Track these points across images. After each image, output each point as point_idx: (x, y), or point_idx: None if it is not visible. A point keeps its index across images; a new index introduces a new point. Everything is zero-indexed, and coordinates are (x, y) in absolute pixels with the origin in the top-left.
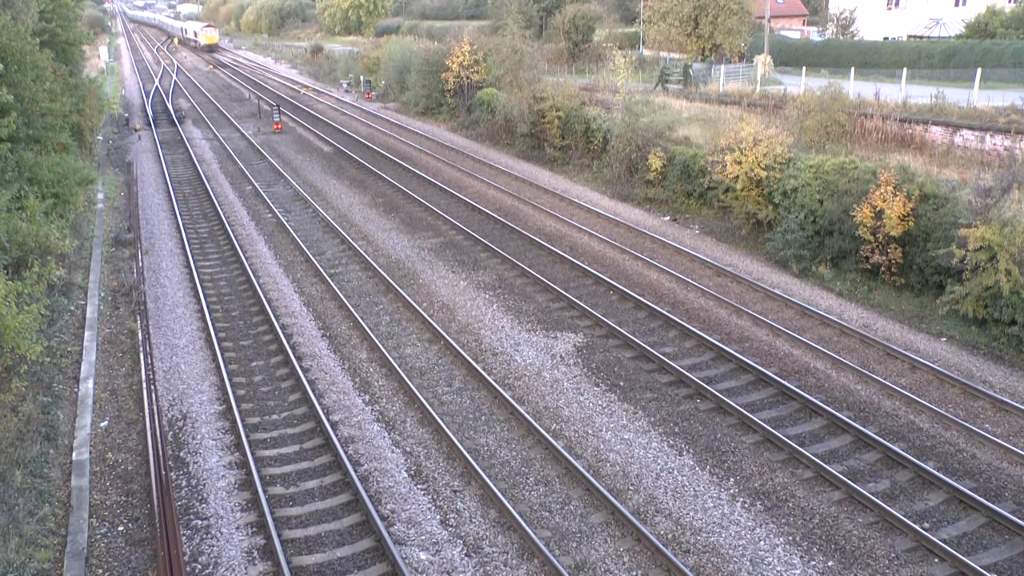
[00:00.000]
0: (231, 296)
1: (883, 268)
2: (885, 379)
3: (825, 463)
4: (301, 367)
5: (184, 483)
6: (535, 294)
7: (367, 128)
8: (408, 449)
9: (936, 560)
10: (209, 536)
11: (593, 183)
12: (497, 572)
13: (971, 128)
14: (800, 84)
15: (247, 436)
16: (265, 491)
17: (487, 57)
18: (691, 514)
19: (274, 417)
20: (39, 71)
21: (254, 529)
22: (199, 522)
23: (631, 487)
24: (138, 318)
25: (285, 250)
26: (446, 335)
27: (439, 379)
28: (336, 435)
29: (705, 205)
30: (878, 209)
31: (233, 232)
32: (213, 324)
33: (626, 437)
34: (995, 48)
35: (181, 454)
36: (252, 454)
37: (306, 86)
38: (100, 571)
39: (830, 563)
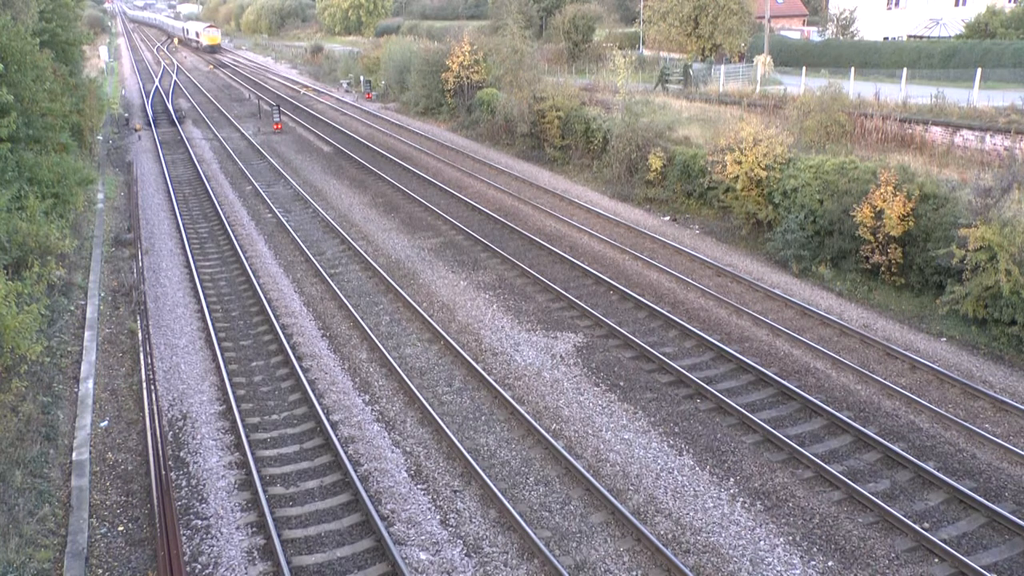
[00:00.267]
0: (231, 296)
1: (883, 268)
2: (885, 379)
3: (825, 463)
4: (301, 367)
5: (184, 483)
6: (535, 294)
7: (367, 128)
8: (408, 449)
9: (936, 560)
10: (209, 536)
11: (593, 183)
12: (497, 572)
13: (971, 128)
14: (800, 84)
15: (247, 436)
16: (265, 491)
17: (487, 57)
18: (691, 514)
19: (274, 417)
20: (39, 71)
21: (254, 529)
22: (199, 522)
23: (631, 487)
24: (138, 318)
25: (285, 250)
26: (446, 335)
27: (439, 379)
28: (336, 435)
29: (705, 205)
30: (878, 209)
31: (233, 232)
32: (213, 324)
33: (626, 437)
34: (995, 48)
35: (181, 454)
36: (252, 454)
37: (306, 86)
38: (100, 571)
39: (830, 563)
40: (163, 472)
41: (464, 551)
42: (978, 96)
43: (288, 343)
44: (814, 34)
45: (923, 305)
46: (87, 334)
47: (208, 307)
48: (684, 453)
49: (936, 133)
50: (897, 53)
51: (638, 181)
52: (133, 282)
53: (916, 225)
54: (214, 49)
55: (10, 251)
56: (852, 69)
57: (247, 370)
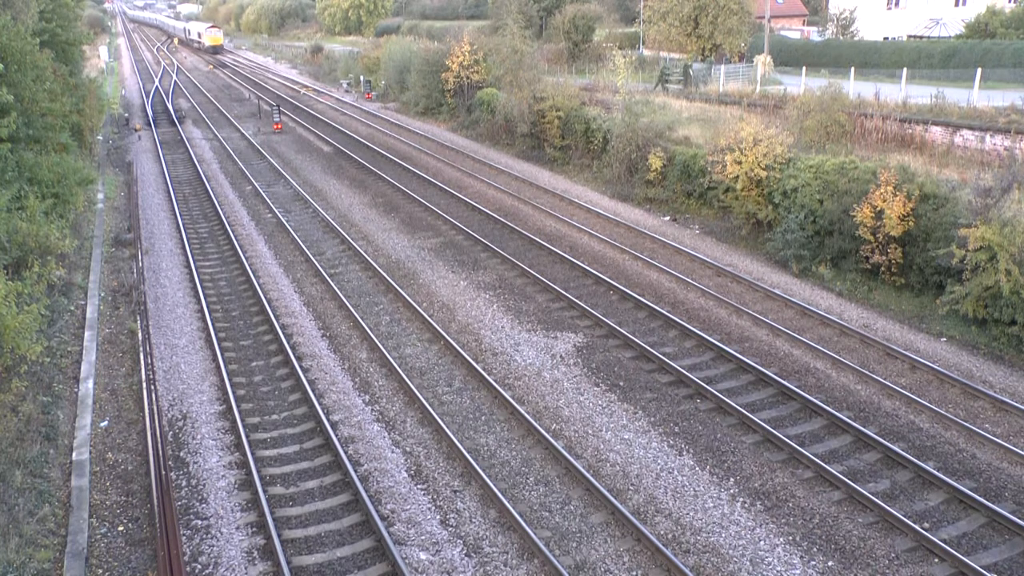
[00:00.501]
0: (231, 296)
1: (883, 268)
2: (885, 379)
3: (825, 463)
4: (301, 367)
5: (184, 483)
6: (535, 294)
7: (367, 128)
8: (408, 449)
9: (936, 560)
10: (209, 536)
11: (593, 183)
12: (497, 572)
13: (971, 128)
14: (800, 84)
15: (247, 436)
16: (265, 491)
17: (487, 57)
18: (691, 514)
19: (274, 417)
20: (39, 71)
21: (254, 529)
22: (199, 522)
23: (631, 487)
24: (138, 318)
25: (285, 250)
26: (446, 335)
27: (439, 379)
28: (336, 435)
29: (705, 205)
30: (878, 209)
31: (233, 232)
32: (213, 324)
33: (626, 437)
34: (995, 48)
35: (181, 454)
36: (252, 454)
37: (306, 86)
38: (100, 571)
39: (830, 563)
40: (163, 472)
41: (464, 551)
42: (978, 96)
43: (288, 343)
44: (814, 34)
45: (923, 305)
46: (87, 334)
47: (208, 307)
48: (684, 453)
49: (936, 133)
50: (897, 53)
51: (638, 181)
52: (133, 282)
53: (916, 225)
54: (216, 50)
55: (10, 251)
56: (852, 69)
57: (247, 370)
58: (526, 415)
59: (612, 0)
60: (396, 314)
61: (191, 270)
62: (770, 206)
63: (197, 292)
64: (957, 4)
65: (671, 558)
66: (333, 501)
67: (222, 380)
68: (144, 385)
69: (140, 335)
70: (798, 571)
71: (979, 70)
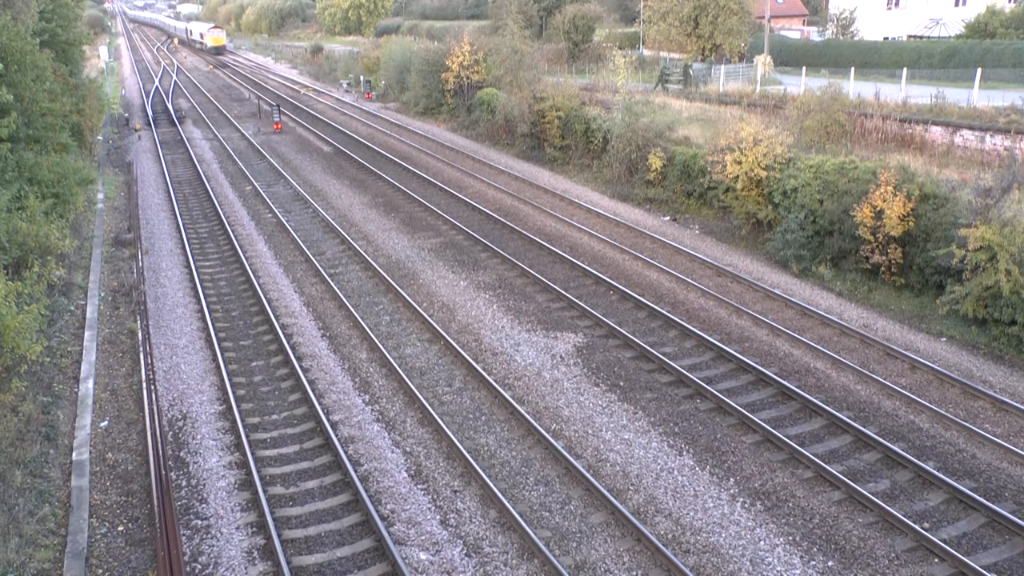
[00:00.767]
0: (231, 296)
1: (883, 268)
2: (885, 379)
3: (825, 463)
4: (301, 367)
5: (184, 483)
6: (535, 294)
7: (367, 128)
8: (408, 449)
9: (936, 560)
10: (209, 536)
11: (593, 183)
12: (497, 572)
13: (971, 128)
14: (800, 84)
15: (247, 436)
16: (265, 491)
17: (487, 57)
18: (691, 514)
19: (274, 417)
20: (39, 71)
21: (254, 529)
22: (199, 522)
23: (631, 487)
24: (138, 318)
25: (285, 250)
26: (446, 335)
27: (439, 379)
28: (336, 435)
29: (705, 205)
30: (878, 209)
31: (233, 232)
32: (213, 324)
33: (626, 437)
34: (995, 48)
35: (181, 454)
36: (252, 454)
37: (306, 86)
38: (100, 571)
39: (830, 563)
40: (163, 472)
41: (464, 551)
42: (978, 96)
43: (288, 343)
44: (814, 34)
45: (923, 305)
46: (87, 334)
47: (208, 307)
48: (684, 453)
49: (936, 133)
50: (897, 53)
51: (638, 181)
52: (133, 282)
53: (916, 225)
54: (219, 51)
55: (10, 251)
56: (852, 69)
57: (247, 370)
58: (526, 415)
59: (612, 0)
60: (396, 314)
61: (191, 270)
62: (770, 206)
63: (197, 292)
64: (957, 4)
65: (671, 558)
66: (333, 501)
67: (222, 380)
68: (144, 385)
69: (140, 335)
70: (798, 571)
71: (979, 70)
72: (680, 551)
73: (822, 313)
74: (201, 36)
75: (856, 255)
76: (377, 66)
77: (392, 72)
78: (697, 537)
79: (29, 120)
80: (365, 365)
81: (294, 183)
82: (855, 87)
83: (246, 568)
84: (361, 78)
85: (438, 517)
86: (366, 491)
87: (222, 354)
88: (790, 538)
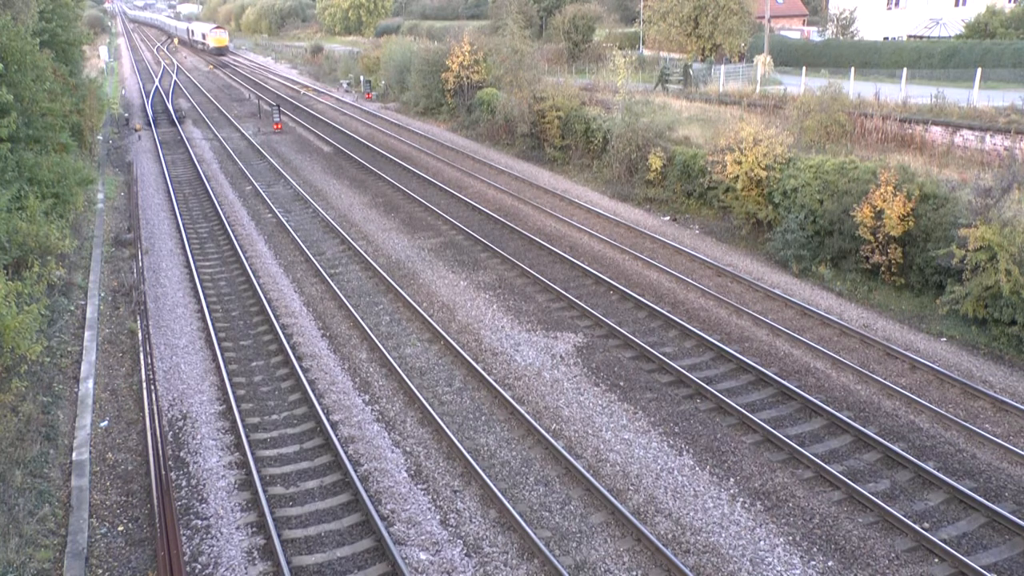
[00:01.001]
0: (231, 296)
1: (883, 268)
2: (885, 379)
3: (825, 463)
4: (301, 367)
5: (184, 483)
6: (535, 294)
7: (367, 128)
8: (408, 449)
9: (936, 560)
10: (209, 536)
11: (593, 183)
12: (497, 572)
13: (971, 128)
14: (800, 84)
15: (247, 436)
16: (265, 491)
17: (487, 57)
18: (691, 514)
19: (274, 417)
20: (39, 71)
21: (254, 529)
22: (199, 522)
23: (631, 487)
24: (138, 318)
25: (285, 250)
26: (446, 335)
27: (439, 379)
28: (336, 435)
29: (705, 205)
30: (878, 209)
31: (233, 232)
32: (213, 324)
33: (626, 437)
34: (995, 48)
35: (181, 454)
36: (252, 454)
37: (306, 86)
38: (100, 571)
39: (830, 563)
40: (163, 472)
41: (464, 551)
42: (978, 96)
43: (288, 343)
44: (814, 34)
45: (923, 305)
46: (87, 334)
47: (208, 307)
48: (684, 453)
49: (936, 133)
50: (897, 53)
51: (638, 181)
52: (133, 282)
53: (916, 225)
54: (221, 52)
55: (10, 251)
56: (852, 69)
57: (247, 370)
58: (526, 415)
59: (612, 0)
60: (396, 314)
61: (191, 270)
62: (770, 206)
63: (197, 292)
64: (957, 4)
65: (671, 558)
66: (333, 501)
67: (222, 380)
68: (144, 385)
69: (140, 335)
70: (798, 571)
71: (979, 70)
72: (680, 551)
73: (822, 313)
74: (203, 37)
75: (856, 255)
76: (377, 66)
77: (392, 72)
78: (697, 537)
79: (29, 120)
80: (365, 365)
81: (294, 183)
82: (855, 87)
83: (246, 568)
84: (361, 78)
85: (438, 517)
86: (366, 491)
87: (222, 354)
88: (790, 538)
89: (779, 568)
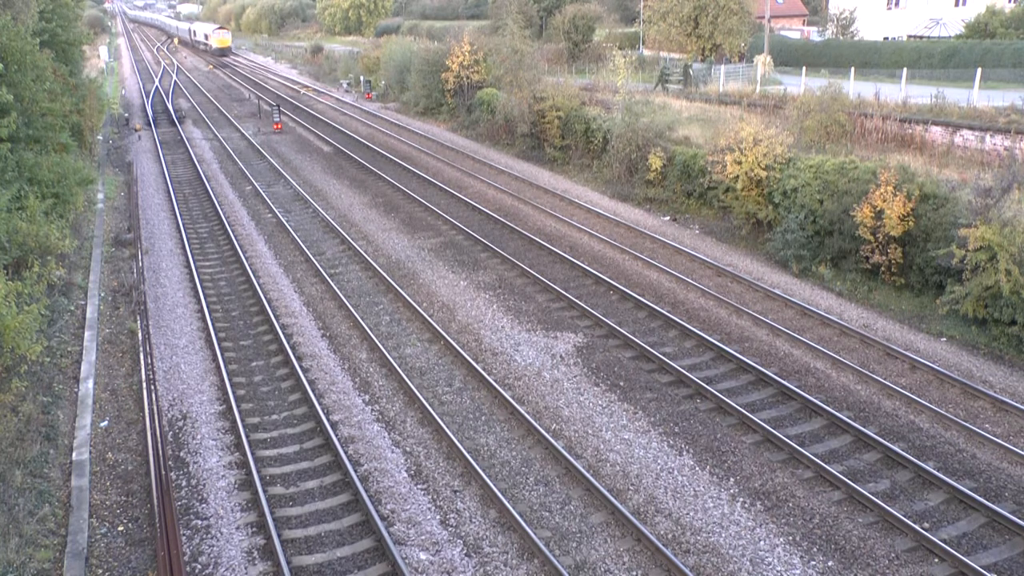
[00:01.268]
0: (231, 296)
1: (883, 268)
2: (885, 379)
3: (825, 463)
4: (301, 367)
5: (184, 483)
6: (535, 294)
7: (367, 128)
8: (408, 449)
9: (936, 560)
10: (209, 536)
11: (593, 183)
12: (497, 572)
13: (971, 128)
14: (800, 84)
15: (247, 436)
16: (265, 491)
17: (487, 57)
18: (691, 514)
19: (274, 417)
20: (39, 71)
21: (254, 529)
22: (199, 522)
23: (631, 487)
24: (138, 318)
25: (285, 250)
26: (446, 335)
27: (439, 379)
28: (336, 435)
29: (705, 205)
30: (878, 209)
31: (233, 232)
32: (213, 324)
33: (626, 437)
34: (995, 48)
35: (181, 454)
36: (252, 454)
37: (306, 86)
38: (100, 571)
39: (830, 563)
40: (163, 472)
41: (464, 551)
42: (978, 96)
43: (288, 343)
44: (814, 34)
45: (923, 305)
46: (87, 334)
47: (208, 307)
48: (684, 453)
49: (936, 133)
50: (897, 53)
51: (638, 181)
52: (133, 282)
53: (916, 225)
54: (224, 52)
55: (10, 251)
56: (852, 69)
57: (247, 370)
58: (526, 415)
59: (612, 0)
60: (396, 314)
61: (191, 270)
62: (770, 206)
63: (197, 292)
64: (957, 4)
65: (671, 558)
66: (333, 501)
67: (222, 380)
68: (144, 385)
69: (140, 335)
70: (798, 571)
71: (979, 70)
72: (680, 551)
73: (822, 313)
74: (206, 37)
75: (856, 255)
76: (377, 66)
77: (392, 72)
78: (697, 537)
79: (29, 120)
80: (365, 365)
81: (294, 183)
82: (855, 87)
83: (246, 568)
84: (361, 78)
85: (438, 517)
86: (366, 491)
87: (222, 354)
88: (790, 538)
89: (779, 568)
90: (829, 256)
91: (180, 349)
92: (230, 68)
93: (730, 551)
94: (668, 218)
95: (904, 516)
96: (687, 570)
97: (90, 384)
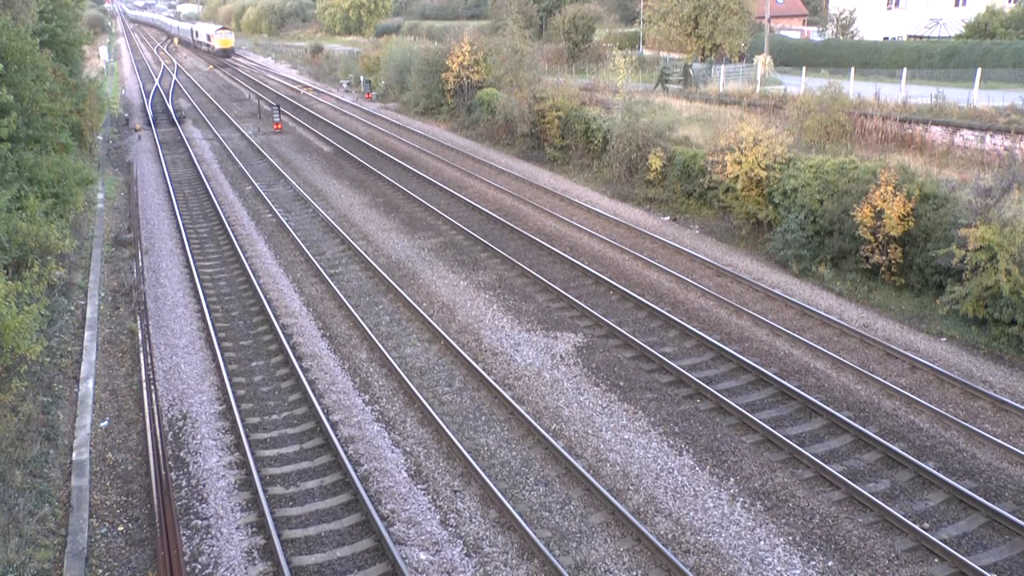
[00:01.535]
0: (231, 296)
1: (883, 268)
2: (885, 379)
3: (825, 463)
4: (301, 367)
5: (184, 483)
6: (535, 294)
7: (367, 128)
8: (408, 449)
9: (936, 560)
10: (209, 536)
11: (593, 183)
12: (497, 572)
13: (971, 128)
14: (800, 84)
15: (247, 436)
16: (265, 491)
17: (487, 57)
18: (691, 514)
19: (274, 417)
20: (39, 71)
21: (254, 529)
22: (199, 522)
23: (631, 487)
24: (138, 318)
25: (285, 250)
26: (446, 335)
27: (439, 379)
28: (336, 435)
29: (705, 205)
30: (878, 209)
31: (233, 232)
32: (213, 324)
33: (626, 437)
34: (995, 48)
35: (181, 454)
36: (252, 454)
37: (306, 86)
38: (100, 571)
39: (830, 563)
40: (163, 472)
41: (464, 551)
42: (978, 96)
43: (288, 343)
44: (814, 34)
45: (923, 305)
46: (87, 334)
47: (208, 307)
48: (684, 453)
49: (936, 133)
50: (897, 53)
51: (638, 181)
52: (133, 282)
53: (916, 225)
54: (226, 53)
55: (10, 251)
56: (852, 69)
57: (247, 370)
58: (526, 415)
59: (612, 0)
60: (396, 314)
61: (191, 270)
62: (770, 206)
63: (197, 292)
64: (957, 4)
65: (671, 558)
66: (333, 501)
67: (222, 380)
68: (144, 385)
69: (140, 335)
70: (798, 571)
71: (979, 70)
72: (680, 551)
73: (822, 313)
74: (208, 38)
75: (856, 255)
76: (377, 66)
77: (392, 72)
78: (697, 537)
79: (29, 120)
80: (365, 365)
81: (294, 183)
82: (855, 87)
83: (246, 568)
84: (361, 78)
85: (438, 517)
86: (366, 491)
87: (222, 354)
88: (790, 538)
89: (779, 568)
90: (829, 256)
91: (180, 349)
92: (230, 68)
93: (730, 551)
94: (668, 218)
95: (904, 516)
96: (687, 570)
97: (90, 384)
